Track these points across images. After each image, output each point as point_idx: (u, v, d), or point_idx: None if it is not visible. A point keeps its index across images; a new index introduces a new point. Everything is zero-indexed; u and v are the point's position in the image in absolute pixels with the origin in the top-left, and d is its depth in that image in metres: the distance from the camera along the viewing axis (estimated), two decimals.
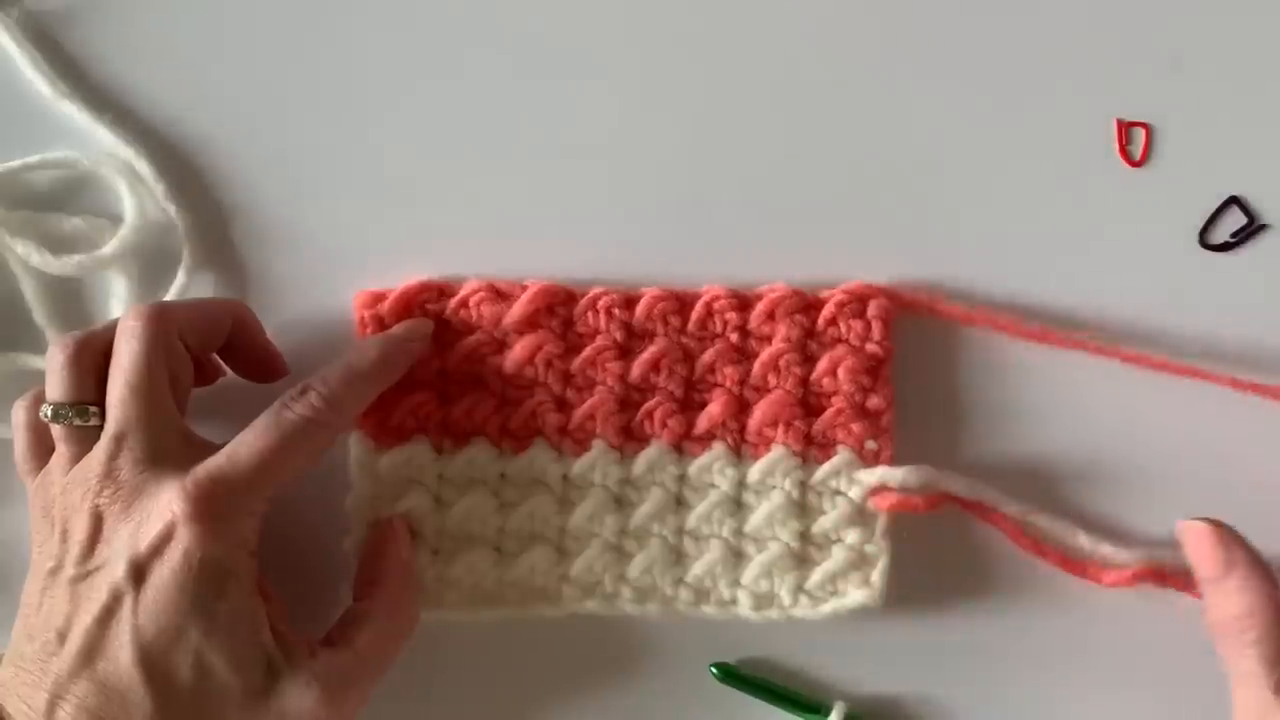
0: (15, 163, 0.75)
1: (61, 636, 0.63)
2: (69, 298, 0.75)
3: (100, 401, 0.66)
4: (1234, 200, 0.76)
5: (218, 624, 0.62)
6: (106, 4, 0.77)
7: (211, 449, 0.66)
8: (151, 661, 0.62)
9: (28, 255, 0.73)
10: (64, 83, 0.76)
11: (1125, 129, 0.76)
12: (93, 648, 0.62)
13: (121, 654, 0.62)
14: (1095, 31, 0.77)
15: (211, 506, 0.63)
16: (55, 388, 0.67)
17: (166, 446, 0.65)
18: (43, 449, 0.68)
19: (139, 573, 0.62)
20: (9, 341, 0.75)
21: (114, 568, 0.63)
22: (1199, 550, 0.68)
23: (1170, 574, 0.73)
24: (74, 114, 0.75)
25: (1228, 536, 0.67)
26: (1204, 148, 0.76)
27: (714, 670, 0.74)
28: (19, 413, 0.70)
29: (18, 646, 0.64)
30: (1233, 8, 0.76)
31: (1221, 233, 0.76)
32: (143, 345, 0.66)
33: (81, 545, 0.64)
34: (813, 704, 0.74)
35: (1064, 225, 0.76)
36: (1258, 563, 0.66)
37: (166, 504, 0.63)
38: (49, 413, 0.66)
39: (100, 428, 0.66)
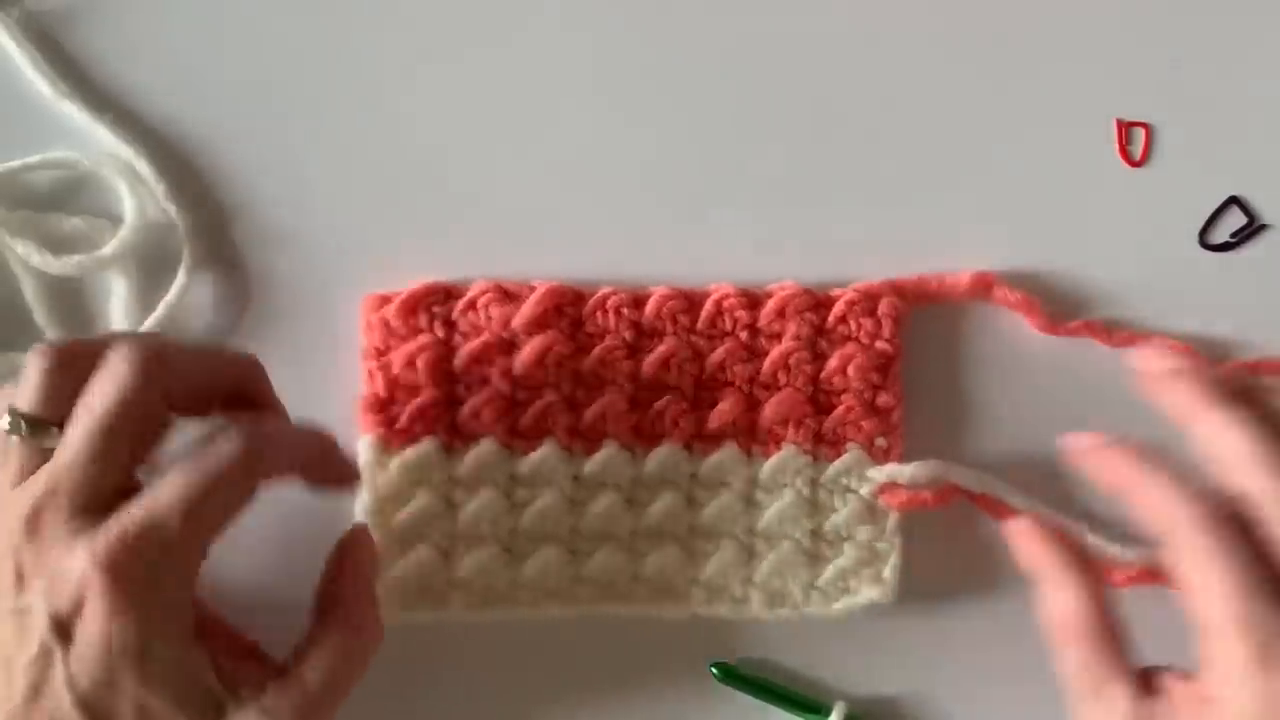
0: (15, 163, 0.74)
1: (8, 666, 0.60)
2: (69, 298, 0.75)
3: (64, 424, 0.61)
4: (1234, 200, 0.76)
5: (153, 675, 0.59)
6: (106, 4, 0.76)
7: None
8: (91, 707, 0.59)
9: (28, 255, 0.73)
10: (64, 83, 0.75)
11: (1125, 129, 0.76)
12: (36, 685, 0.59)
13: (62, 698, 0.59)
14: (1095, 31, 0.77)
15: (125, 574, 0.58)
16: (24, 396, 0.62)
17: (101, 498, 0.60)
18: None
19: (63, 629, 0.59)
20: (9, 341, 0.74)
21: (39, 618, 0.59)
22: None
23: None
24: (74, 114, 0.75)
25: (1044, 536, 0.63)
26: (1204, 148, 0.76)
27: (714, 670, 0.74)
28: None
29: None
30: (1233, 8, 0.77)
31: (1221, 233, 0.76)
32: (120, 395, 0.60)
33: (10, 581, 0.60)
34: (813, 704, 0.74)
35: (1064, 225, 0.76)
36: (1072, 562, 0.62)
37: (80, 569, 0.58)
38: (7, 422, 0.62)
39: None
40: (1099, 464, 0.63)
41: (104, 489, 0.60)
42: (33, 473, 0.61)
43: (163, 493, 0.60)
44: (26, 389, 0.61)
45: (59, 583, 0.59)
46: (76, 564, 0.58)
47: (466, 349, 0.73)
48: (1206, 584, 0.56)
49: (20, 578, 0.59)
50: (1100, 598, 0.61)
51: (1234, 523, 0.57)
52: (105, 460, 0.60)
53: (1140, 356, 0.64)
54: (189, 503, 0.59)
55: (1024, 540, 0.63)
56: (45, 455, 0.61)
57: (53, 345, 0.62)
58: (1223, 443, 0.58)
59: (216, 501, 0.61)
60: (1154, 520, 0.59)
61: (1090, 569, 0.62)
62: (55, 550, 0.59)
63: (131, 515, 0.59)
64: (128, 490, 0.61)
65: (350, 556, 0.68)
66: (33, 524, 0.59)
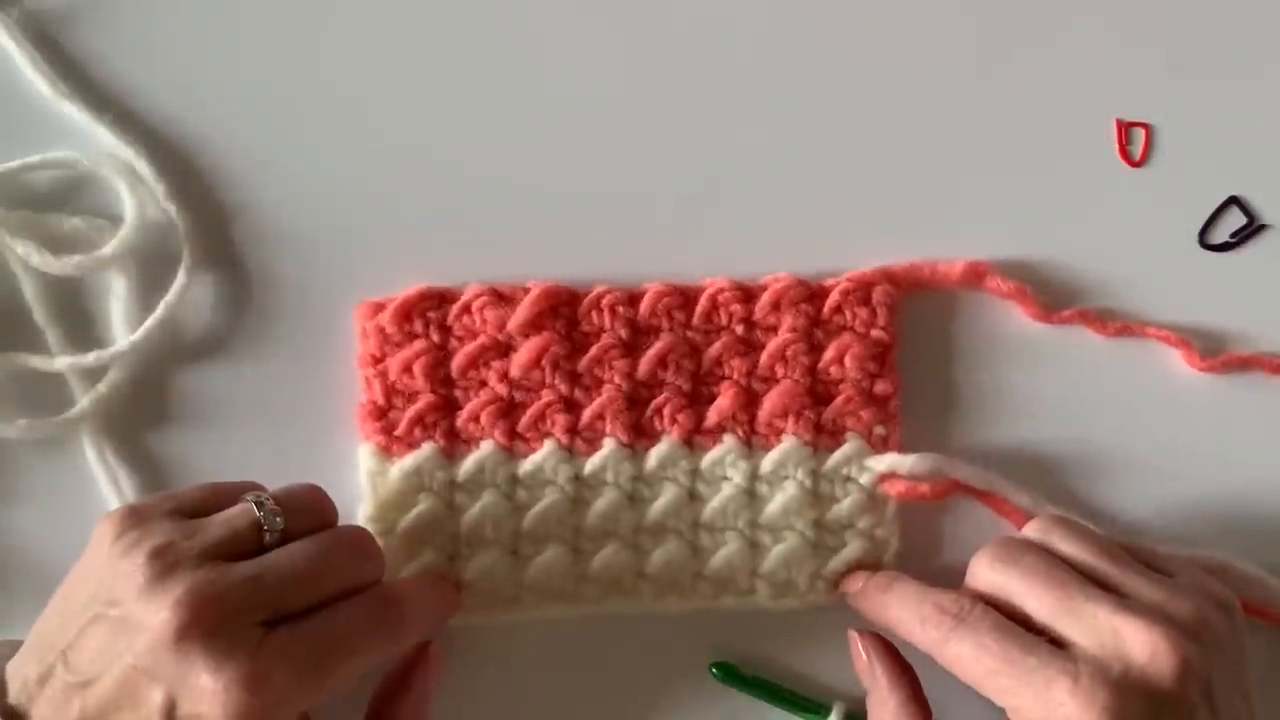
0: (15, 163, 0.74)
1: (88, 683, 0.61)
2: (69, 298, 0.75)
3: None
4: (1234, 200, 0.76)
5: None
6: (106, 4, 0.76)
7: None
8: None
9: (28, 255, 0.73)
10: (64, 83, 0.75)
11: (1125, 129, 0.76)
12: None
13: None
14: (1095, 31, 0.77)
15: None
16: (287, 498, 0.65)
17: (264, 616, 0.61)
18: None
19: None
20: (9, 341, 0.74)
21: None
22: (854, 657, 0.72)
23: None
24: (74, 114, 0.75)
25: (870, 647, 0.71)
26: (1204, 148, 0.77)
27: (714, 670, 0.74)
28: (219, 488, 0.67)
29: (45, 659, 0.62)
30: (1233, 8, 0.77)
31: (1221, 233, 0.76)
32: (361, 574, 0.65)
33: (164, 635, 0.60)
34: (813, 704, 0.74)
35: (1064, 225, 0.76)
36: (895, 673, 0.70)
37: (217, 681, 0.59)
38: (258, 498, 0.64)
39: (260, 550, 0.63)
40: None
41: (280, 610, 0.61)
42: (221, 564, 0.61)
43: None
44: (295, 496, 0.66)
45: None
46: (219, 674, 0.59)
47: (463, 353, 0.73)
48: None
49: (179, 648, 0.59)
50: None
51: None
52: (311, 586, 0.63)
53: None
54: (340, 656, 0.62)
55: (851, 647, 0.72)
56: (244, 553, 0.62)
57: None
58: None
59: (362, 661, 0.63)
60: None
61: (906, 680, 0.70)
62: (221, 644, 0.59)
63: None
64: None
65: (416, 683, 0.70)
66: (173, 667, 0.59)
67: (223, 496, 0.65)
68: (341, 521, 0.68)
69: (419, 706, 0.70)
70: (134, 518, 0.63)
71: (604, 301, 0.73)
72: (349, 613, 0.63)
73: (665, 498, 0.73)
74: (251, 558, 0.62)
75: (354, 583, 0.64)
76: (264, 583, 0.61)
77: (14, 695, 0.62)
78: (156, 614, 0.58)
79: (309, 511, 0.66)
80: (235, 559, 0.61)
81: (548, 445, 0.73)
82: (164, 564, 0.60)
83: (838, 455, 0.73)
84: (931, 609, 0.66)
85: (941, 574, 0.73)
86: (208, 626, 0.58)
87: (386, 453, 0.73)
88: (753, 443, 0.73)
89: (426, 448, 0.73)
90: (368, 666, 0.64)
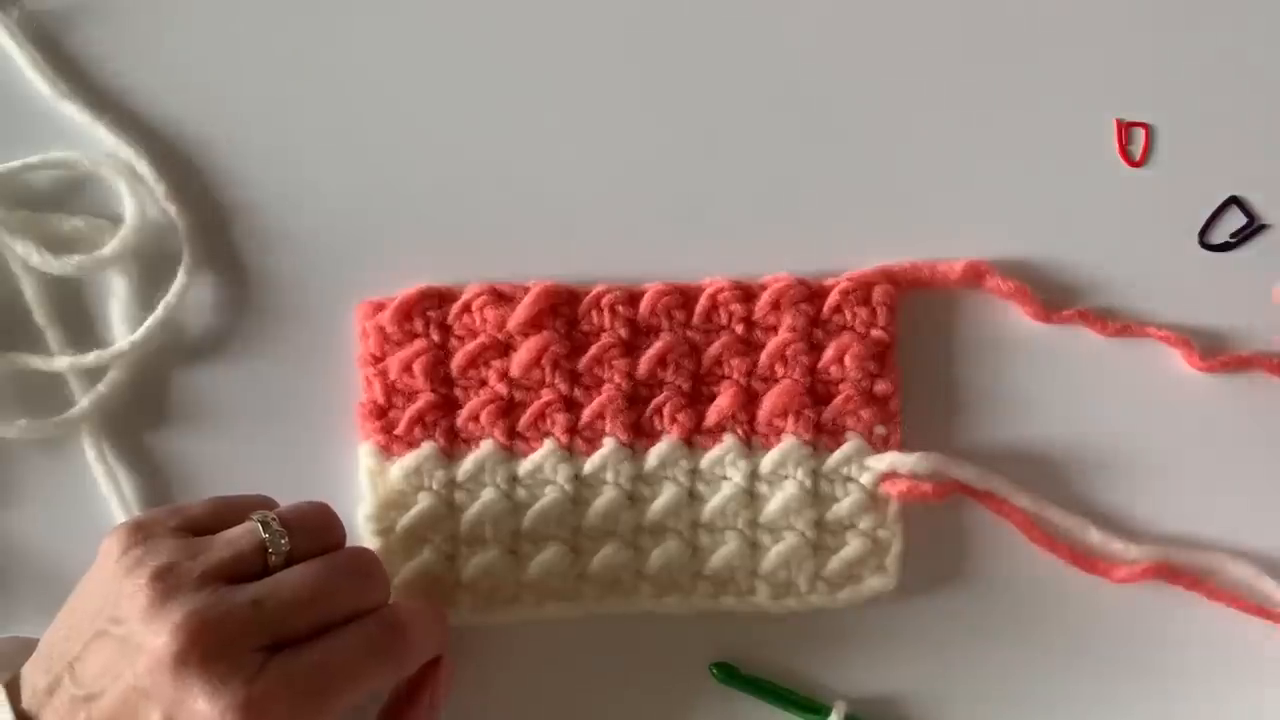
0: (15, 163, 0.75)
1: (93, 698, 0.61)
2: (69, 298, 0.75)
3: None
4: (1234, 200, 0.76)
5: None
6: (106, 4, 0.76)
7: None
8: None
9: (28, 255, 0.73)
10: (64, 83, 0.75)
11: (1125, 129, 0.76)
12: None
13: None
14: (1095, 31, 0.77)
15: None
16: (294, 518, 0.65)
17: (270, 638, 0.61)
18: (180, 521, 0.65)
19: None
20: (9, 341, 0.74)
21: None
22: None
23: (1180, 572, 0.73)
24: (74, 114, 0.75)
25: None
26: (1204, 148, 0.76)
27: (714, 670, 0.74)
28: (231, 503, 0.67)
29: (53, 669, 0.62)
30: (1233, 8, 0.77)
31: (1221, 233, 0.76)
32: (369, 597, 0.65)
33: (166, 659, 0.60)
34: (813, 704, 0.74)
35: (1064, 225, 0.76)
36: None
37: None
38: (264, 517, 0.64)
39: (265, 571, 0.63)
40: None
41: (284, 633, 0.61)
42: (226, 583, 0.61)
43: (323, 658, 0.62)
44: (302, 516, 0.65)
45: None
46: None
47: (463, 352, 0.73)
48: None
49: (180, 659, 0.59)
50: None
51: None
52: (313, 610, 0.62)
53: None
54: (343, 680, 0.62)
55: None
56: (249, 575, 0.62)
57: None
58: None
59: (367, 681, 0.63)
60: None
61: None
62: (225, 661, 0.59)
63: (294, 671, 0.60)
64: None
65: (425, 697, 0.69)
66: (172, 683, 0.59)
67: (230, 512, 0.65)
68: (340, 520, 0.67)
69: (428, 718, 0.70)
70: (140, 534, 0.63)
71: (604, 301, 0.73)
72: (351, 639, 0.63)
73: (665, 497, 0.73)
74: (256, 578, 0.62)
75: (358, 606, 0.64)
76: (265, 608, 0.60)
77: (25, 701, 0.62)
78: (156, 637, 0.58)
79: (316, 531, 0.65)
80: (240, 580, 0.61)
81: (547, 444, 0.73)
82: (166, 586, 0.60)
83: (838, 455, 0.73)
84: None
85: (943, 574, 0.73)
86: (206, 652, 0.58)
87: (386, 452, 0.73)
88: (752, 442, 0.73)
89: (426, 447, 0.73)
90: (370, 692, 0.64)
